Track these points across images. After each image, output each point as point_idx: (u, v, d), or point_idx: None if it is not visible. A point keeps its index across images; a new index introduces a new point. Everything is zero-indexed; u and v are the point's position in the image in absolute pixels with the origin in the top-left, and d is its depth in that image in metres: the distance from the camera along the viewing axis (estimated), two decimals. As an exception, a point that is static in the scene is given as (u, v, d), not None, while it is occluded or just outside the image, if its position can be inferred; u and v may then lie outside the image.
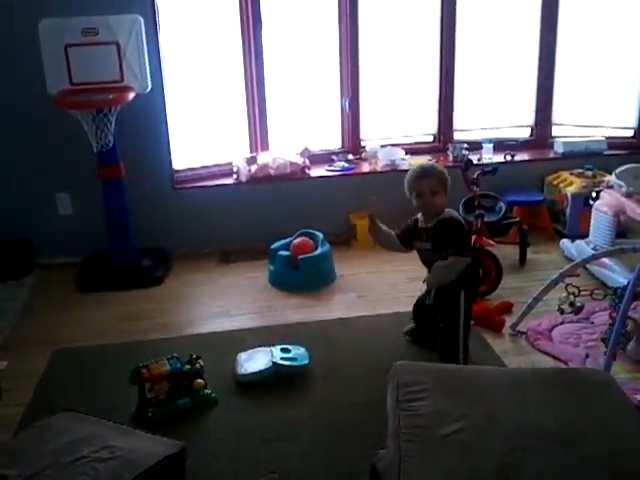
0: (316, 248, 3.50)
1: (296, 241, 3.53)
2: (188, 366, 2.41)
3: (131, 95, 3.28)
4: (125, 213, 3.58)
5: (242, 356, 2.66)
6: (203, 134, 3.96)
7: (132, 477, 1.63)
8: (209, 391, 2.44)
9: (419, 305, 2.76)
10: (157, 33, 3.56)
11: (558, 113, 4.33)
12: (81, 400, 2.36)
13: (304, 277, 3.40)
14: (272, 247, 3.56)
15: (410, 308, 2.82)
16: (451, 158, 4.09)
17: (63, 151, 3.62)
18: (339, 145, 4.23)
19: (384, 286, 3.43)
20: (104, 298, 3.38)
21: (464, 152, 4.03)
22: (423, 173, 2.52)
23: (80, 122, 3.26)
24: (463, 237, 2.52)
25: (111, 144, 3.36)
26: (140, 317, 3.18)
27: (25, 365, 2.72)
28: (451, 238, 2.46)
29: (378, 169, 4.02)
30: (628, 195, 3.31)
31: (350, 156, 4.12)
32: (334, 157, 4.10)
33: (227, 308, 3.26)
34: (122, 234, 3.59)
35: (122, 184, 3.53)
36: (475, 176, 3.38)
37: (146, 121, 3.66)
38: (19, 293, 3.44)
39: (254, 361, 2.60)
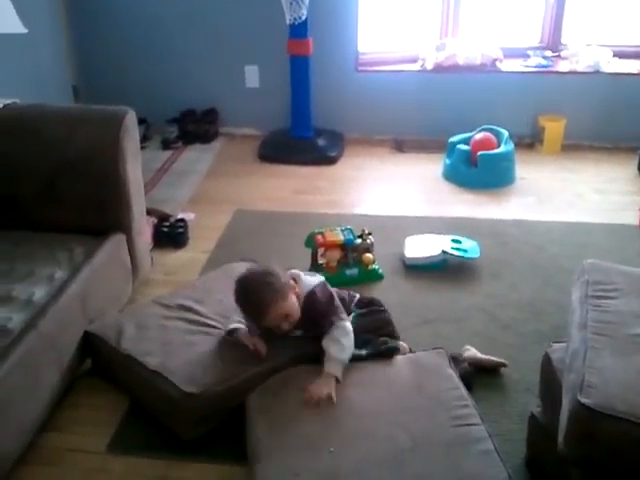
0: (498, 146, 3.31)
1: (477, 136, 3.35)
2: (359, 240, 2.45)
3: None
4: (308, 91, 3.61)
5: (411, 240, 2.65)
6: (392, 17, 3.81)
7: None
8: (377, 267, 2.47)
9: None
10: None
11: None
12: (257, 255, 2.47)
13: (481, 175, 3.25)
14: (451, 140, 3.42)
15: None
16: (667, 65, 3.61)
17: (256, 23, 3.68)
18: (537, 41, 3.88)
19: (568, 194, 3.20)
20: (280, 170, 3.51)
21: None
22: (264, 303, 1.74)
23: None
24: (334, 306, 1.84)
25: (303, 17, 3.35)
26: (313, 192, 3.26)
27: (209, 219, 2.93)
28: (323, 311, 1.81)
29: (579, 70, 3.64)
30: None
31: (548, 52, 3.77)
32: (530, 52, 3.78)
33: (397, 194, 3.24)
34: (303, 111, 3.64)
35: (308, 61, 3.54)
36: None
37: (337, -1, 3.59)
38: (205, 156, 3.68)
39: (423, 247, 2.58)
